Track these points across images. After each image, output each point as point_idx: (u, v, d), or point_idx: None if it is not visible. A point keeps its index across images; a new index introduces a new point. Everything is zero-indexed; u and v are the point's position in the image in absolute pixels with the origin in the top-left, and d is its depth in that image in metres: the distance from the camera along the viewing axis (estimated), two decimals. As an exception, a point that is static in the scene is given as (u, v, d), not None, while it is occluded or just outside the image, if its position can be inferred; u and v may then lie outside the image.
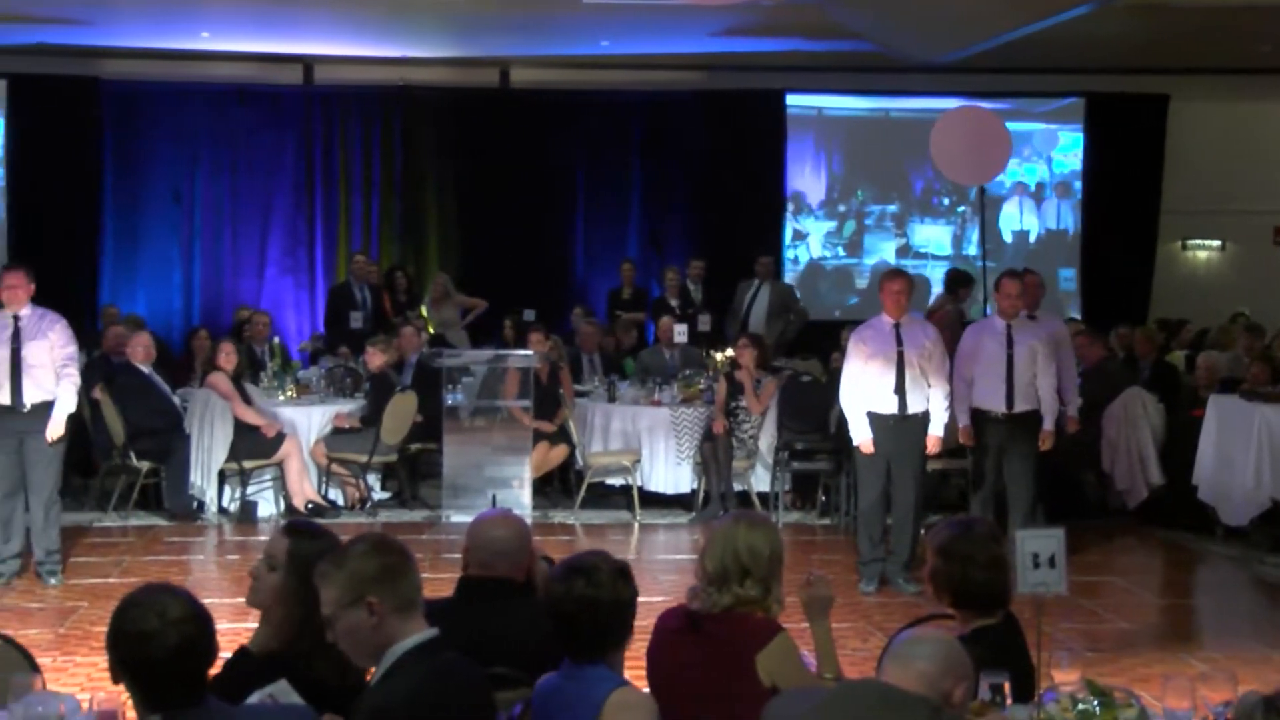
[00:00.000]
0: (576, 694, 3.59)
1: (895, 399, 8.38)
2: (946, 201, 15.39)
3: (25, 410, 8.35)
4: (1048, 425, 8.67)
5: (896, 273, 8.88)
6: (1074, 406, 9.05)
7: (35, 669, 4.26)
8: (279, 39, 13.41)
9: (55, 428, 8.41)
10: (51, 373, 8.41)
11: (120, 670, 3.16)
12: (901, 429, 8.40)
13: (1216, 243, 15.38)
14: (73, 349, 8.58)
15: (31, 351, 8.33)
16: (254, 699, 3.57)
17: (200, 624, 3.16)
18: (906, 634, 3.61)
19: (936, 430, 8.46)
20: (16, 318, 8.36)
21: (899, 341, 8.39)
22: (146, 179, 14.69)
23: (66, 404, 8.47)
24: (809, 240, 15.52)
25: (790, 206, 15.42)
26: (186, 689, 3.17)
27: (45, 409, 8.38)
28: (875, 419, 8.42)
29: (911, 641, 3.31)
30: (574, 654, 3.64)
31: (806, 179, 15.43)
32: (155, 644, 3.11)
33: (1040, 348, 8.67)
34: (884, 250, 15.47)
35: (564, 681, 3.64)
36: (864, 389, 8.46)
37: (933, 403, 8.45)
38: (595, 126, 15.07)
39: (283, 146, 14.86)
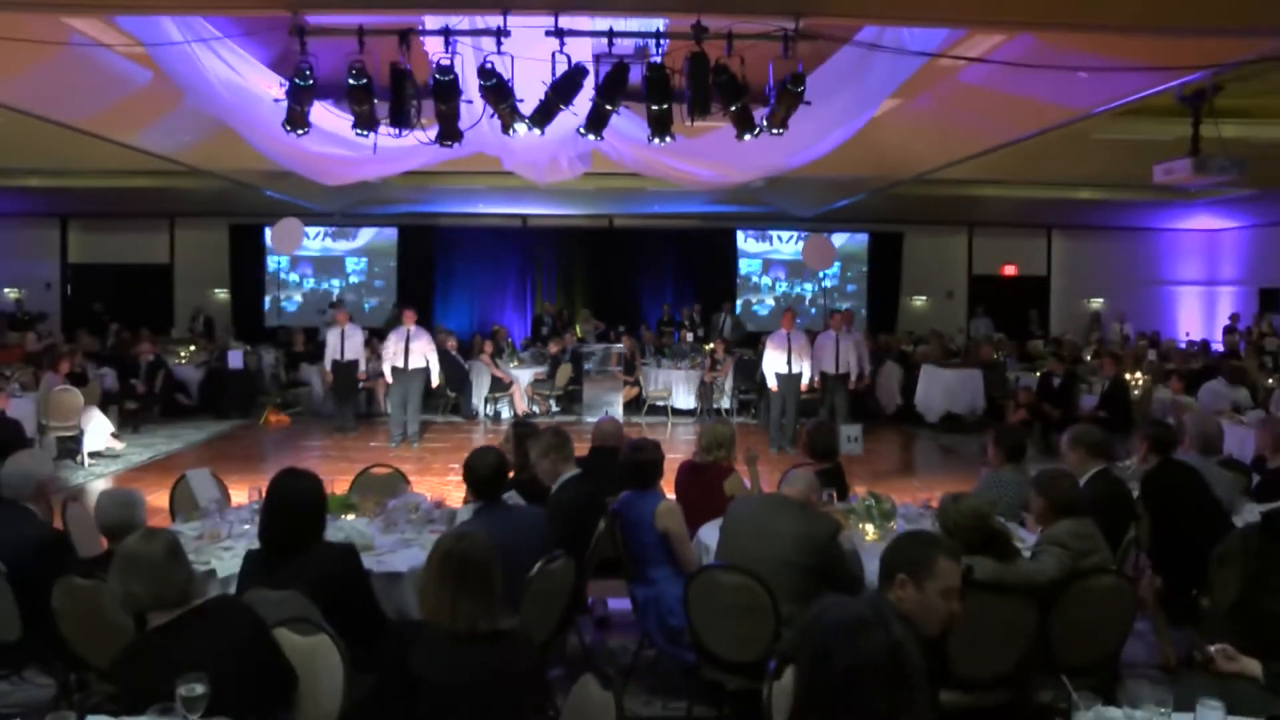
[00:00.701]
0: (643, 503, 3.46)
1: (788, 366, 8.18)
2: (815, 276, 14.64)
3: (409, 370, 8.29)
4: (854, 379, 8.48)
5: (789, 309, 8.73)
6: (867, 372, 8.78)
7: (407, 482, 4.33)
8: (511, 207, 13.19)
9: (433, 380, 8.44)
10: (422, 355, 8.35)
11: (466, 482, 3.18)
12: (790, 380, 8.22)
13: (924, 297, 14.77)
14: (434, 347, 8.54)
15: (414, 345, 8.31)
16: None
17: (502, 463, 3.18)
18: (791, 471, 3.54)
19: (805, 381, 8.24)
20: (408, 330, 8.34)
21: (789, 341, 8.20)
22: (454, 271, 14.42)
23: (435, 371, 8.44)
24: (772, 292, 14.83)
25: (767, 276, 14.70)
26: (494, 491, 3.11)
27: (418, 371, 8.32)
28: (778, 376, 8.23)
29: (793, 475, 3.32)
30: (640, 485, 3.52)
31: (767, 268, 14.75)
32: (481, 470, 3.10)
33: (851, 345, 8.47)
34: (795, 296, 14.80)
35: (634, 498, 3.51)
36: (773, 362, 8.26)
37: (804, 368, 8.22)
38: (651, 247, 14.57)
39: (512, 256, 14.45)
